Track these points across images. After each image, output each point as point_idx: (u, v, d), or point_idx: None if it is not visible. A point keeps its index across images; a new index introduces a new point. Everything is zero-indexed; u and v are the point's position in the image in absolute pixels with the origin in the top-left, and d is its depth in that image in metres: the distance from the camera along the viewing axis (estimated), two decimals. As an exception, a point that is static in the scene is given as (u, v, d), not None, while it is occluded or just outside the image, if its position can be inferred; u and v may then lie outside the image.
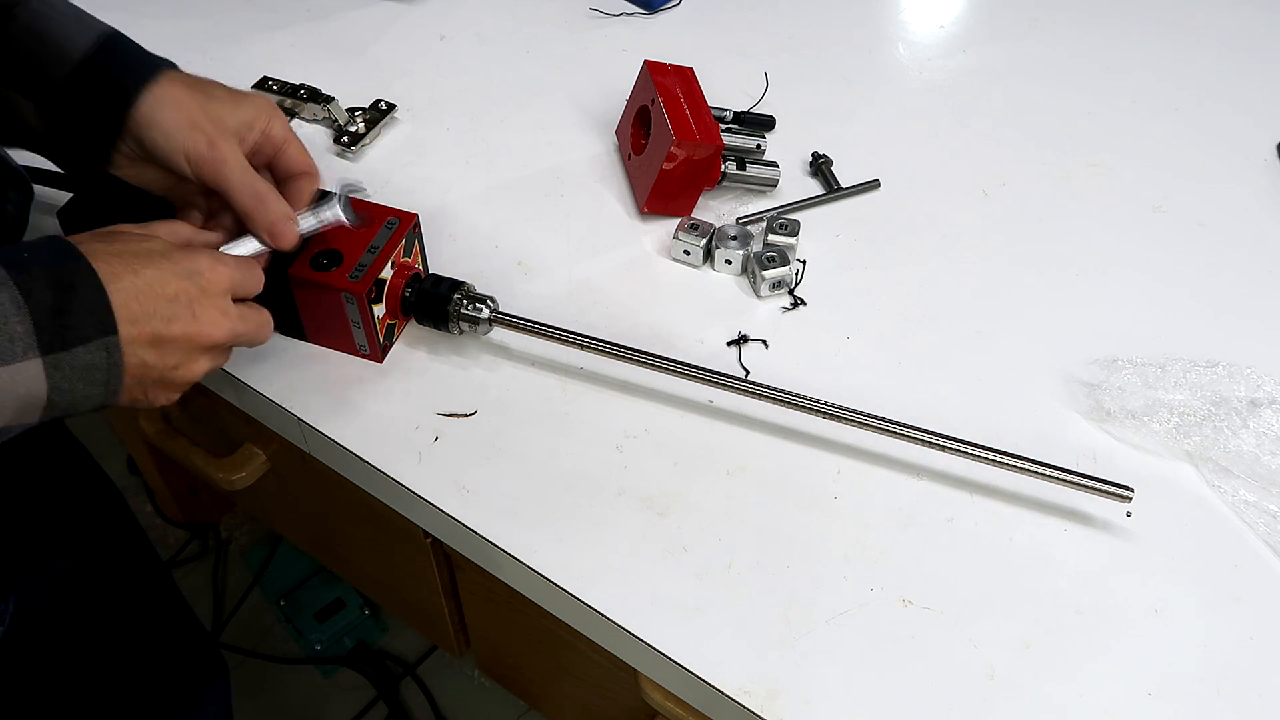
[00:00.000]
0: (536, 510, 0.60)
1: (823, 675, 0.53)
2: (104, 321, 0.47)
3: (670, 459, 0.62)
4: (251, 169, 0.57)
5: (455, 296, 0.65)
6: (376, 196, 0.67)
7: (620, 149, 0.84)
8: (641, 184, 0.78)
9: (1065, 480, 0.59)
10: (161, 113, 0.56)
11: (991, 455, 0.59)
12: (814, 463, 0.63)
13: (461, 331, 0.66)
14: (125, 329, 0.47)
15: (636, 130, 0.80)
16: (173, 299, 0.49)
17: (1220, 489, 0.62)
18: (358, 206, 0.62)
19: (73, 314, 0.46)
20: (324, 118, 0.84)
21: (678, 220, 0.75)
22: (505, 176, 0.81)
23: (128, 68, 0.57)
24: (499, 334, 0.67)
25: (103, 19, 0.61)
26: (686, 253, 0.74)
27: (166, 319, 0.49)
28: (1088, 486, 0.58)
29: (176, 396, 0.53)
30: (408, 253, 0.66)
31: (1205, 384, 0.67)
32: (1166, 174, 0.85)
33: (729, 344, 0.69)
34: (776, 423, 0.64)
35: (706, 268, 0.75)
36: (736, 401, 0.65)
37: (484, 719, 1.37)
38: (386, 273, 0.63)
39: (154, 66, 0.58)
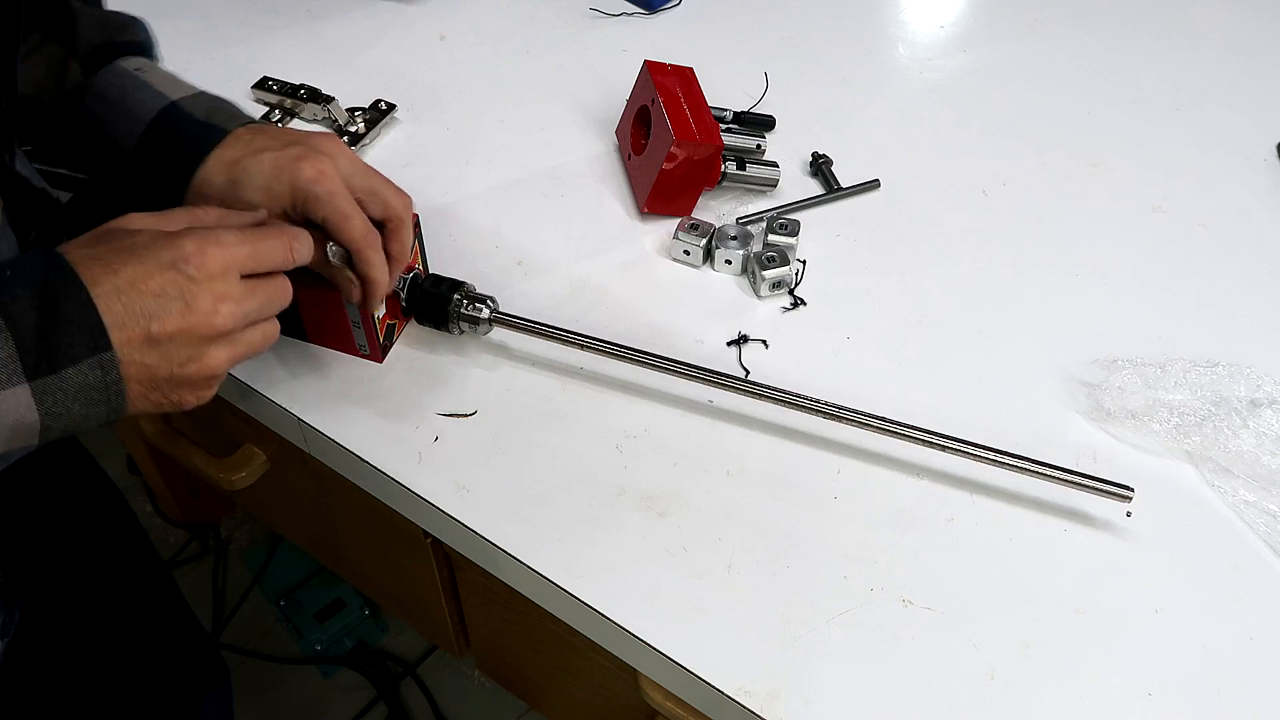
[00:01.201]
0: (536, 510, 0.60)
1: (823, 675, 0.53)
2: (95, 338, 0.43)
3: (670, 459, 0.62)
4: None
5: (455, 296, 0.65)
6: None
7: (620, 149, 0.84)
8: (641, 184, 0.78)
9: (1065, 480, 0.59)
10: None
11: (991, 455, 0.59)
12: (814, 463, 0.63)
13: (461, 331, 0.66)
14: (115, 335, 0.44)
15: (636, 130, 0.80)
16: (159, 293, 0.45)
17: (1220, 489, 0.62)
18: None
19: (58, 333, 0.43)
20: (324, 118, 0.84)
21: (678, 220, 0.75)
22: (505, 176, 0.81)
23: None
24: (499, 334, 0.67)
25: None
26: (686, 253, 0.74)
27: (155, 315, 0.45)
28: (1088, 486, 0.58)
29: (207, 393, 0.50)
30: (408, 253, 0.66)
31: (1205, 384, 0.67)
32: (1166, 174, 0.85)
33: (729, 344, 0.69)
34: (776, 423, 0.64)
35: (706, 268, 0.75)
36: (736, 401, 0.65)
37: (484, 719, 1.37)
38: (386, 273, 0.63)
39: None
